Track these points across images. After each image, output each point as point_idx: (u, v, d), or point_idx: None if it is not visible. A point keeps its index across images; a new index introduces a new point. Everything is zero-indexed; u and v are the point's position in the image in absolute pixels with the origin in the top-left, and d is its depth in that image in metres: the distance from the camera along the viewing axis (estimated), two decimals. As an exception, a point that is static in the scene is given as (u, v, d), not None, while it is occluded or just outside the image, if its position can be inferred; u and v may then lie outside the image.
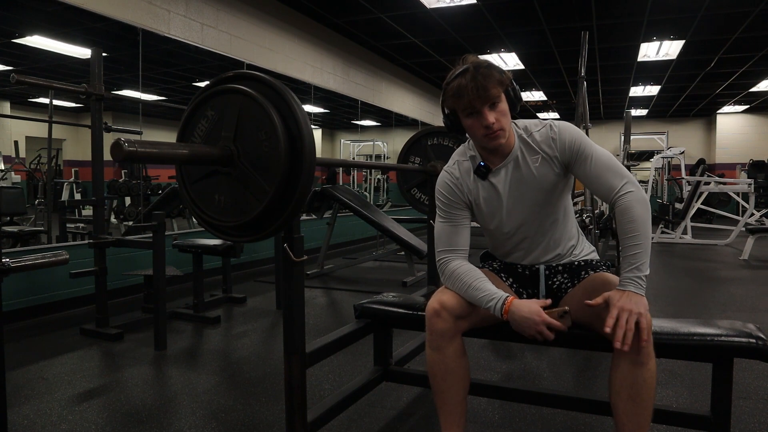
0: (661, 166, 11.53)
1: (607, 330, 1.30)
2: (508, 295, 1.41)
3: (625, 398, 1.35)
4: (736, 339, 1.45)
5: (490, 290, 1.43)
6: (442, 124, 1.62)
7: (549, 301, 1.43)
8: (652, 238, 8.18)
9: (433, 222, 1.68)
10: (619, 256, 1.45)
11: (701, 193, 7.96)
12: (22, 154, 8.70)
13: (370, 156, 11.78)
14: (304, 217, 6.18)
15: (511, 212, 1.55)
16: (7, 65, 6.88)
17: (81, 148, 10.81)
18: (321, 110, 9.19)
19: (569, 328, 1.41)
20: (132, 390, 2.31)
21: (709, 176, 9.16)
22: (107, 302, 3.15)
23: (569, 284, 1.58)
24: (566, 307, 1.40)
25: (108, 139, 2.98)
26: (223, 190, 1.40)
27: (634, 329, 1.29)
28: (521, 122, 1.55)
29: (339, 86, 7.32)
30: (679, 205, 8.52)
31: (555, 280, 1.61)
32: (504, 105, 1.44)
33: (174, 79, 7.12)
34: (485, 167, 1.52)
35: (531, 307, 1.38)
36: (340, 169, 11.45)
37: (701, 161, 12.04)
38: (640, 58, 7.99)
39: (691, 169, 11.42)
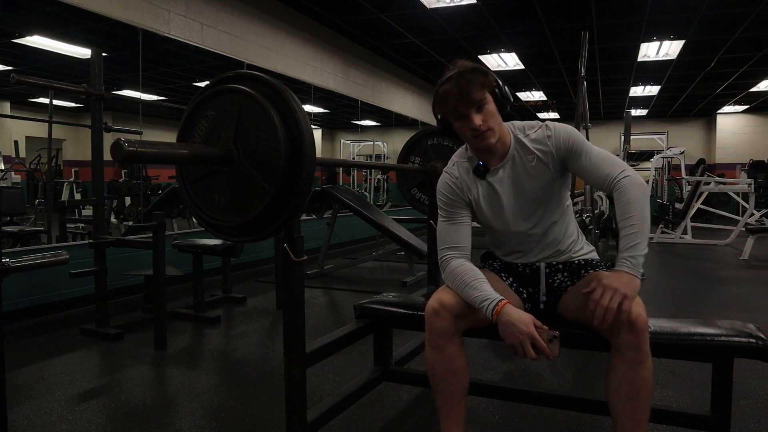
0: (661, 166, 11.52)
1: (591, 309, 1.30)
2: (502, 298, 1.41)
3: (623, 397, 1.35)
4: (736, 339, 1.45)
5: (486, 291, 1.43)
6: None
7: (545, 328, 1.36)
8: (652, 238, 8.16)
9: (433, 222, 1.69)
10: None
11: (701, 193, 7.96)
12: (22, 154, 8.70)
13: (370, 156, 11.78)
14: (304, 217, 6.18)
15: (512, 210, 1.57)
16: (7, 65, 6.88)
17: (81, 148, 10.79)
18: (321, 110, 9.19)
19: (565, 333, 1.37)
20: (132, 390, 2.31)
21: (709, 176, 9.15)
22: (107, 302, 3.15)
23: (569, 282, 1.58)
24: (557, 332, 1.34)
25: (108, 139, 2.97)
26: (223, 190, 1.40)
27: (615, 308, 1.27)
28: (519, 123, 1.59)
29: (339, 86, 7.32)
30: (679, 205, 8.52)
31: (555, 278, 1.61)
32: (491, 106, 1.47)
33: (174, 79, 7.12)
34: (483, 167, 1.56)
35: (522, 317, 1.35)
36: (340, 169, 11.45)
37: (701, 161, 12.03)
38: (640, 58, 7.99)
39: (691, 169, 11.42)
